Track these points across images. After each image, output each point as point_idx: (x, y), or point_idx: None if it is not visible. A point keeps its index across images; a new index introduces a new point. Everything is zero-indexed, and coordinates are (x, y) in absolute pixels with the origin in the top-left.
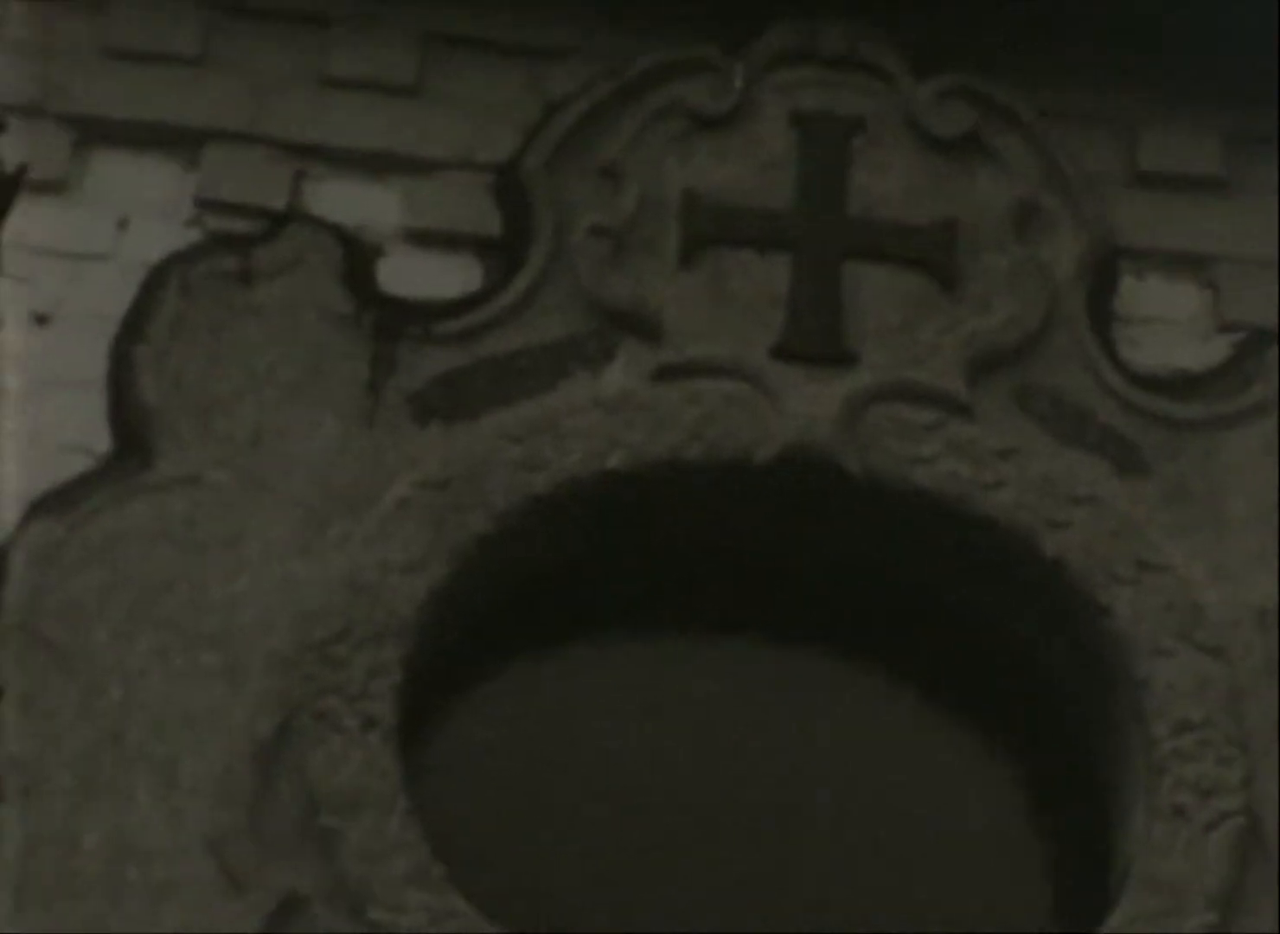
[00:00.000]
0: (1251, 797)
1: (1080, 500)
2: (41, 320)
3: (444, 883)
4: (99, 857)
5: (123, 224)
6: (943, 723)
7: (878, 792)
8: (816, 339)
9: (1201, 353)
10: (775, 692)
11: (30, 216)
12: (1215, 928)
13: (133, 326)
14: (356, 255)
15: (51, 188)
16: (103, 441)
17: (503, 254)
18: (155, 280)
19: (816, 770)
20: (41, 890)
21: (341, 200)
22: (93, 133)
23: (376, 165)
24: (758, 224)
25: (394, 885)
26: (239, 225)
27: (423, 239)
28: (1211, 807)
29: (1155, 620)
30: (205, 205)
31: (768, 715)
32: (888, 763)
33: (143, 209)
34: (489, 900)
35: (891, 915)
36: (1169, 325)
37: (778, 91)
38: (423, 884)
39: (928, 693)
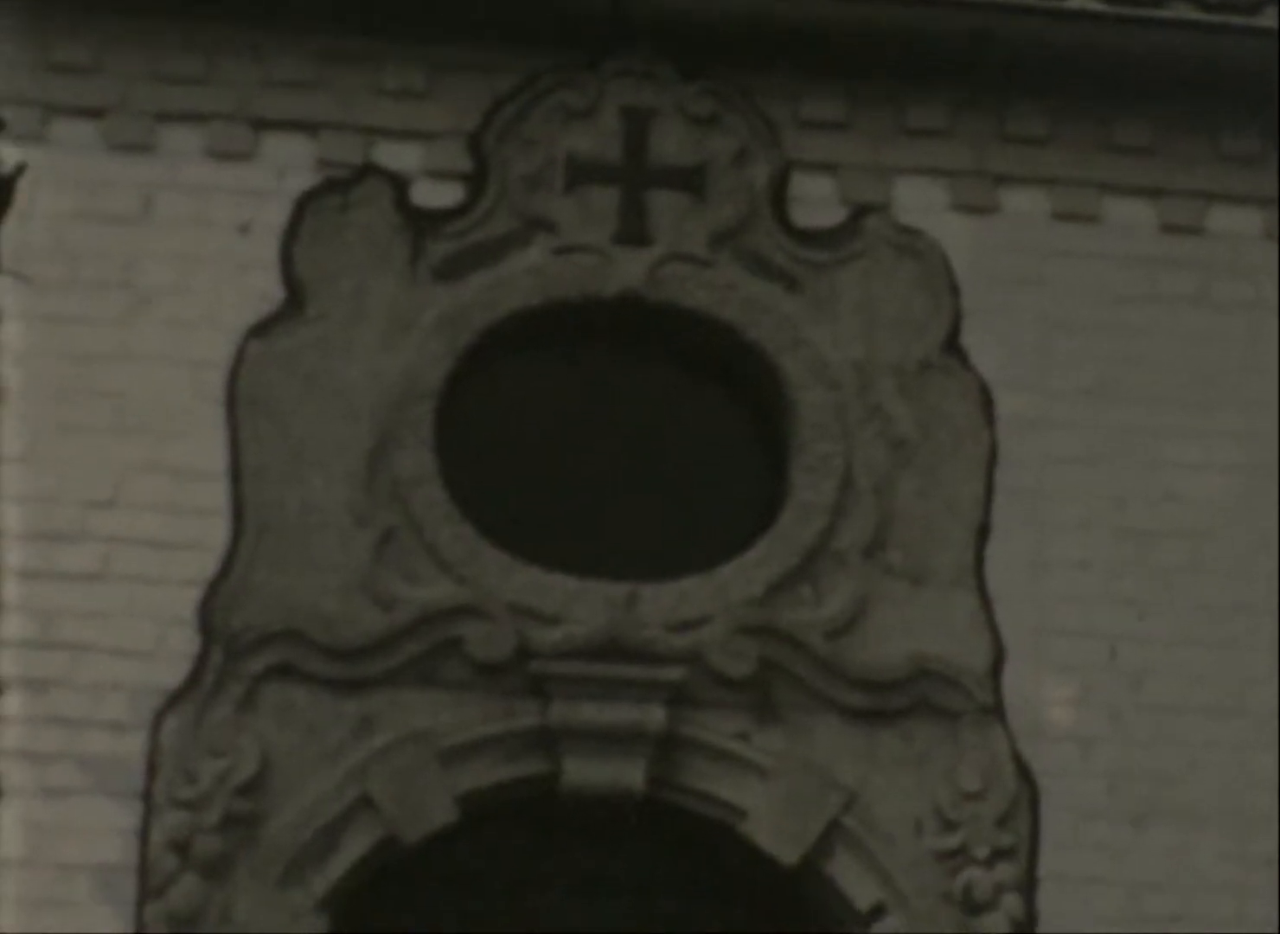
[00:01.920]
0: None
1: (767, 309)
2: None
3: None
4: None
5: None
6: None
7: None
8: (635, 230)
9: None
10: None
11: None
12: None
13: None
14: (401, 189)
15: None
16: None
17: (473, 185)
18: None
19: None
20: None
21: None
22: None
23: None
24: (603, 171)
25: None
26: None
27: (435, 175)
28: None
29: None
30: None
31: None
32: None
33: None
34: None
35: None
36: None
37: (613, 96)
38: None
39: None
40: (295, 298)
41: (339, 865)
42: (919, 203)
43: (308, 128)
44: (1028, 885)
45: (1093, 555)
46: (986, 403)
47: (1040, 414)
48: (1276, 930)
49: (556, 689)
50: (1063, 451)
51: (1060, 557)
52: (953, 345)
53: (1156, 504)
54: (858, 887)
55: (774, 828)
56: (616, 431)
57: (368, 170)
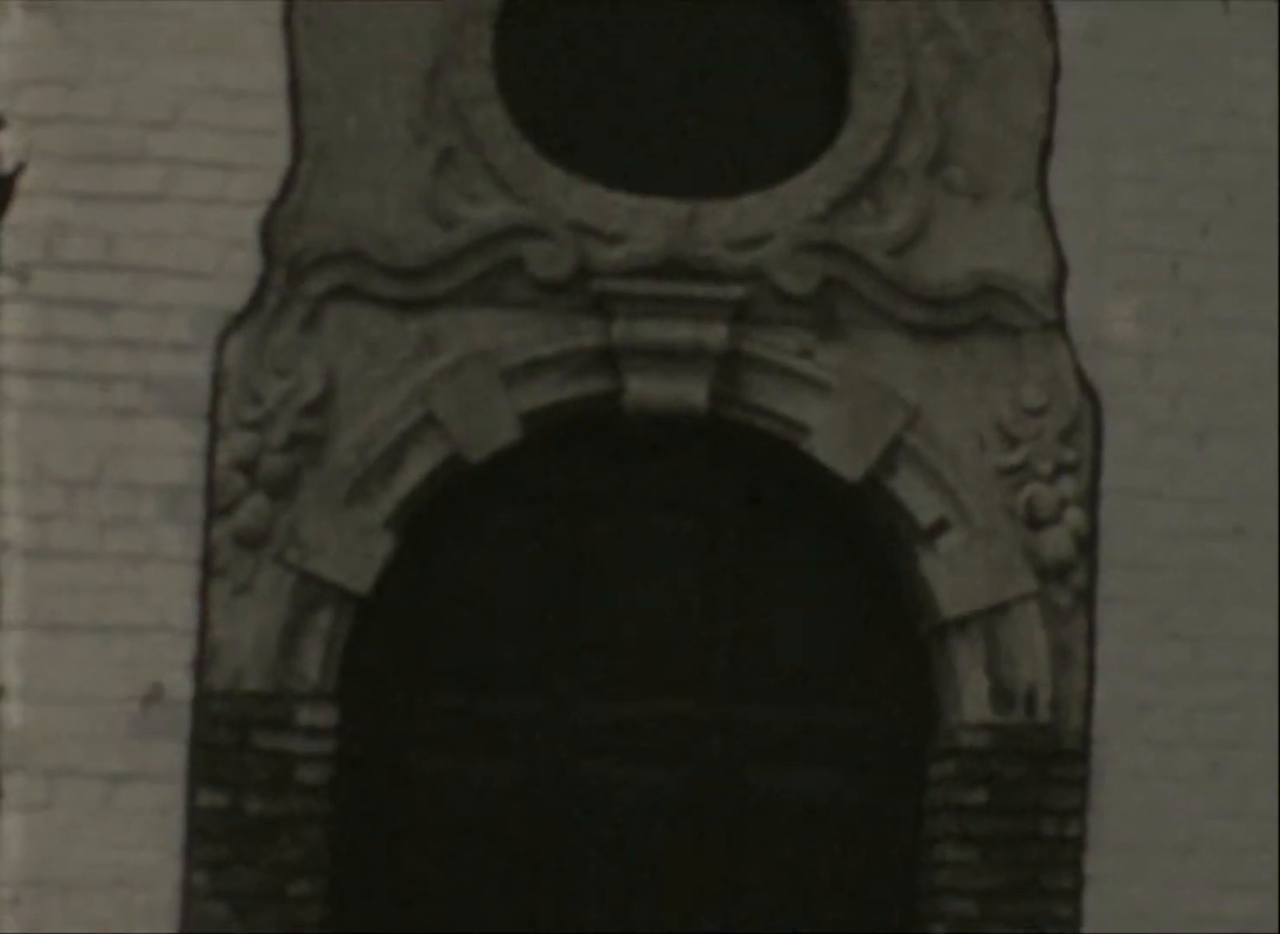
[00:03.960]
0: None
1: None
2: None
3: None
4: None
5: None
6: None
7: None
8: None
9: None
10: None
11: None
12: None
13: None
14: None
15: None
16: None
17: None
18: None
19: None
20: None
21: None
22: None
23: None
24: None
25: None
26: None
27: None
28: None
29: None
30: None
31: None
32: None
33: None
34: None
35: None
36: None
37: None
38: None
39: None
40: None
41: (404, 484)
42: None
43: None
44: (1090, 500)
45: (1156, 171)
46: (1049, 16)
47: (1103, 28)
48: None
49: (618, 307)
50: (1126, 66)
51: (1123, 172)
52: None
53: (1220, 118)
54: (921, 502)
55: (837, 444)
56: (677, 49)
57: None
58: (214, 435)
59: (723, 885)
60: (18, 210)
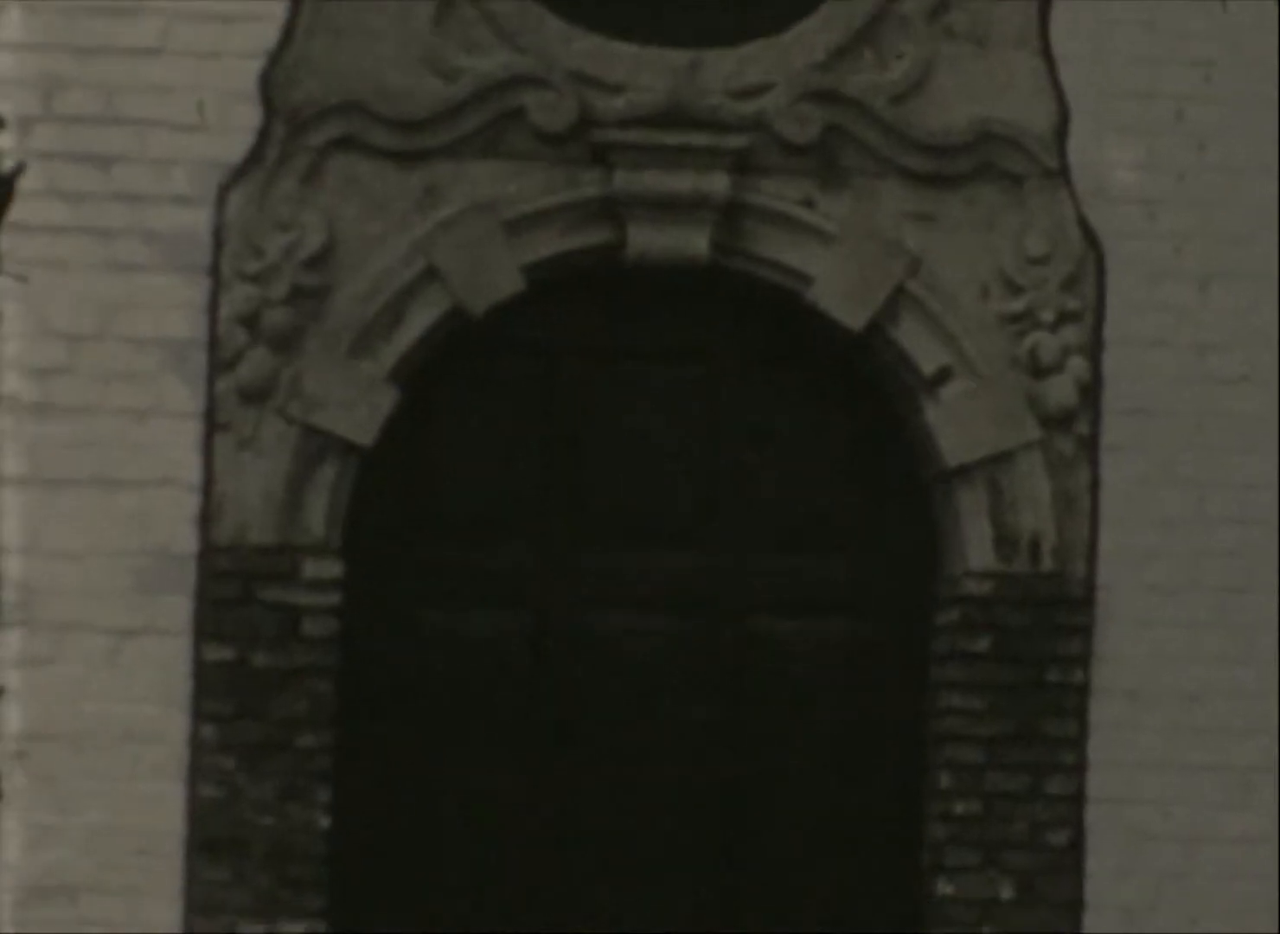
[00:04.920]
0: None
1: None
2: None
3: None
4: None
5: None
6: None
7: None
8: None
9: None
10: None
11: None
12: None
13: None
14: None
15: None
16: None
17: None
18: None
19: None
20: None
21: None
22: None
23: None
24: None
25: None
26: None
27: None
28: None
29: None
30: None
31: None
32: None
33: None
34: None
35: None
36: None
37: None
38: None
39: None
40: None
41: (407, 336)
42: None
43: None
44: (1094, 348)
45: (1158, 16)
46: None
47: None
48: None
49: (619, 158)
50: None
51: (1125, 17)
52: None
53: None
54: (924, 351)
55: (840, 293)
56: None
57: None
58: (216, 289)
59: (727, 733)
60: (17, 61)
